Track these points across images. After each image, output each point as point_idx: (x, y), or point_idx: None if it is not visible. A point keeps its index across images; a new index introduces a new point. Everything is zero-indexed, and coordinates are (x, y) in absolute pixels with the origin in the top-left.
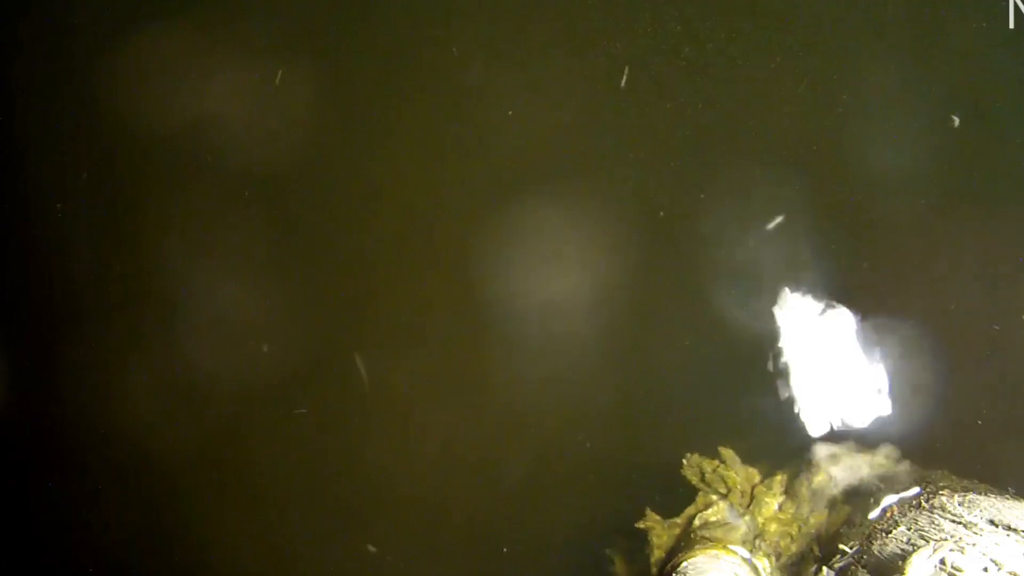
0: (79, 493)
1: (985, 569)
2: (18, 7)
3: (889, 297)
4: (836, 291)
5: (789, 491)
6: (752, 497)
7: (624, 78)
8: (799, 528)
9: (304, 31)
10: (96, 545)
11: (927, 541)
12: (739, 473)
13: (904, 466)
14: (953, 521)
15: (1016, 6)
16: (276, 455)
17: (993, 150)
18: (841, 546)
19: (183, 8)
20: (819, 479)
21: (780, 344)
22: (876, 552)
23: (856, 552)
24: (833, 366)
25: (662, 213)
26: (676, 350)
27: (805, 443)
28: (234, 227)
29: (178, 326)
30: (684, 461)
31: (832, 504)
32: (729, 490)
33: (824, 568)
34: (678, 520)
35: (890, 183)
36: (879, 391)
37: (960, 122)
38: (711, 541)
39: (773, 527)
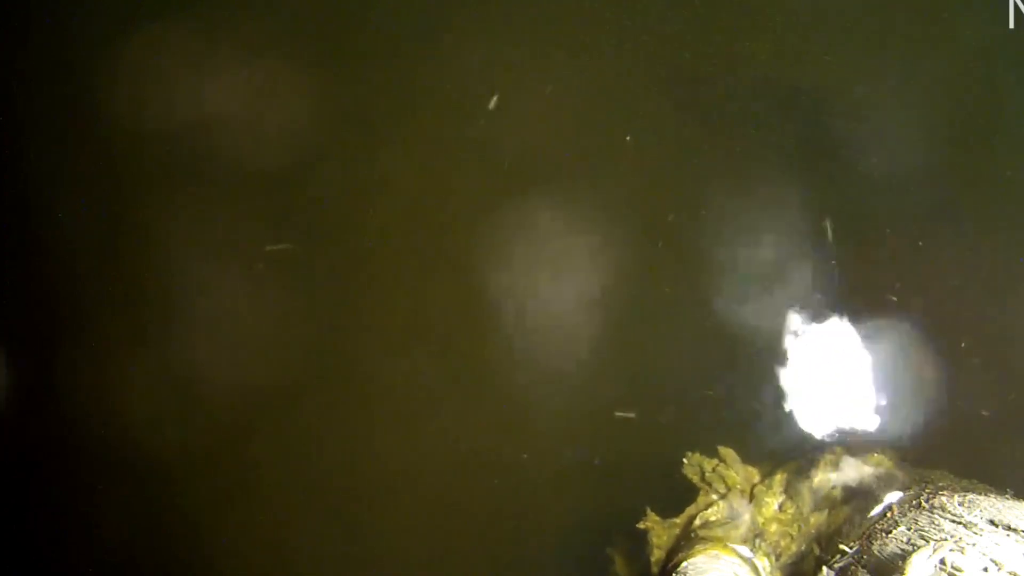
0: (79, 493)
1: (985, 569)
2: (18, 7)
3: (889, 297)
4: (836, 291)
5: (789, 490)
6: (752, 496)
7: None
8: (799, 528)
9: (305, 31)
10: (96, 545)
11: (927, 541)
12: (739, 472)
13: (904, 466)
14: (953, 521)
15: (1016, 6)
16: (277, 455)
17: (993, 150)
18: (841, 546)
19: (183, 8)
20: (819, 479)
21: (780, 344)
22: (876, 552)
23: (856, 552)
24: (833, 365)
25: (670, 216)
26: (677, 350)
27: (805, 443)
28: (235, 227)
29: (178, 326)
30: (684, 460)
31: (832, 504)
32: (729, 489)
33: (824, 568)
34: (678, 520)
35: (890, 183)
36: (879, 391)
37: (960, 121)
38: (711, 541)
39: (773, 527)
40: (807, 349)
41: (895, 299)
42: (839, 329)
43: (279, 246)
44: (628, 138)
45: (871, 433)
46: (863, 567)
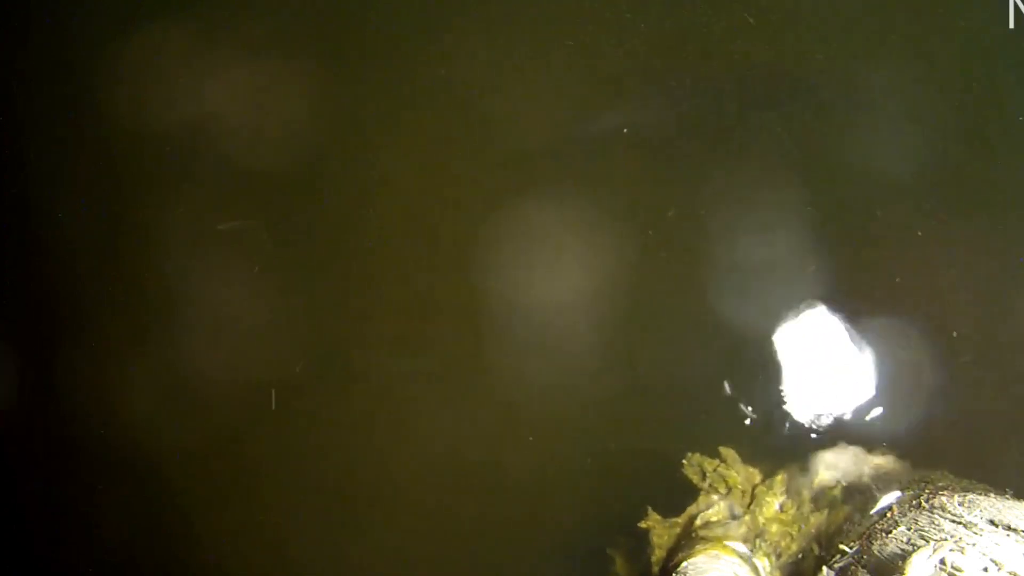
0: (79, 493)
1: (985, 569)
2: (18, 7)
3: (889, 297)
4: (836, 291)
5: (790, 491)
6: (753, 497)
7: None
8: (799, 528)
9: (305, 31)
10: (96, 545)
11: (927, 541)
12: (740, 473)
13: (904, 466)
14: (953, 521)
15: (1016, 6)
16: (277, 456)
17: (993, 151)
18: (841, 546)
19: (183, 8)
20: (819, 479)
21: (781, 344)
22: (876, 552)
23: (856, 552)
24: (834, 366)
25: (669, 213)
26: (677, 350)
27: (806, 443)
28: (235, 227)
29: (178, 326)
30: (685, 461)
31: (832, 504)
32: (730, 490)
33: (824, 568)
34: (679, 519)
35: (889, 184)
36: (879, 391)
37: (959, 121)
38: (712, 540)
39: (774, 527)
40: (807, 348)
41: (894, 298)
42: (839, 328)
43: (232, 224)
44: (625, 131)
45: (871, 433)
46: (863, 567)
